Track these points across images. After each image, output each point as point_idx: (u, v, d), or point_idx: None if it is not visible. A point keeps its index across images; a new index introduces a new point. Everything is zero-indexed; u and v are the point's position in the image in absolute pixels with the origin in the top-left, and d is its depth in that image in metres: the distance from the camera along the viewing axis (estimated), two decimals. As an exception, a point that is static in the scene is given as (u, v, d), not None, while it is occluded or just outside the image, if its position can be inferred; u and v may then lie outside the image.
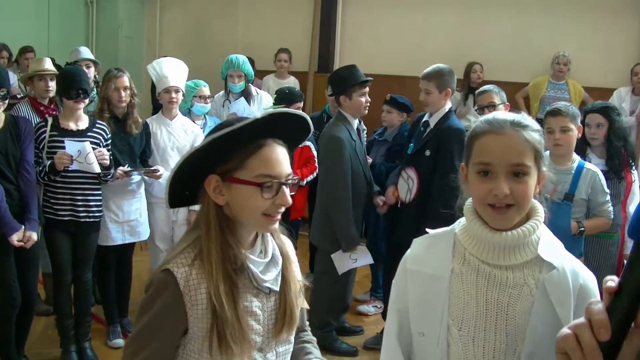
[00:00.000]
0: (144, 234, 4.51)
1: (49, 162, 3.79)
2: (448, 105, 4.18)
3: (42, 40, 7.49)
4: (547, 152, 4.08)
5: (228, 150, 1.66)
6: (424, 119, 4.25)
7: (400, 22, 7.61)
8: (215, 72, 5.66)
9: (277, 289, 1.77)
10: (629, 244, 3.96)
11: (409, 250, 1.84)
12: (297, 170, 5.04)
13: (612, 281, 0.96)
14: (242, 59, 5.46)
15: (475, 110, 4.46)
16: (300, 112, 1.80)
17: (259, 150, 1.67)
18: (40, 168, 3.76)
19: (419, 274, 1.76)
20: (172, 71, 4.61)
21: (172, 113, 4.65)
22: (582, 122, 4.07)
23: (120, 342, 4.48)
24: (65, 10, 8.11)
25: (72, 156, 3.80)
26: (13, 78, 5.73)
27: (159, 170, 4.33)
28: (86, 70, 5.07)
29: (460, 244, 1.74)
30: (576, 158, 3.66)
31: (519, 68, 7.06)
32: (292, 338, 1.88)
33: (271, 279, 1.76)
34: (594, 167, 3.65)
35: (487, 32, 7.25)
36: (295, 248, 1.98)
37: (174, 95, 4.56)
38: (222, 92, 5.57)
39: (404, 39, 7.54)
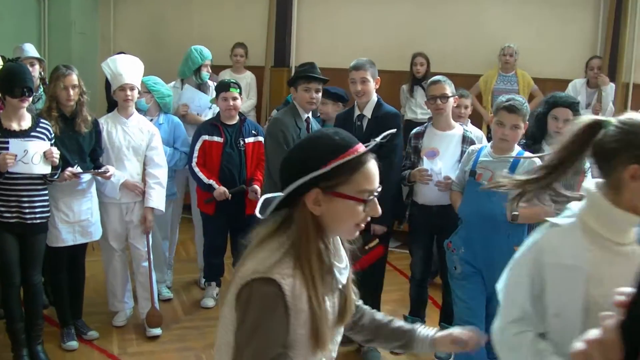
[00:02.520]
0: (96, 234, 4.44)
1: (-7, 163, 3.71)
2: (375, 95, 4.36)
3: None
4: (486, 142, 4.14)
5: (337, 168, 1.69)
6: (356, 114, 4.34)
7: (356, 14, 7.60)
8: (171, 67, 5.65)
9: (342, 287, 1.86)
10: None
11: (541, 242, 1.94)
12: (257, 172, 5.07)
13: (623, 295, 0.94)
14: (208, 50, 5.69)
15: (427, 100, 4.45)
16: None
17: (363, 167, 1.73)
18: (-17, 170, 3.67)
19: (559, 266, 1.87)
20: (127, 68, 4.54)
21: (128, 111, 4.59)
22: (546, 113, 4.13)
23: (74, 344, 4.42)
24: (16, 7, 7.94)
25: (16, 156, 3.72)
26: None
27: (108, 171, 4.27)
28: (30, 69, 4.98)
29: (591, 229, 1.85)
30: (516, 148, 3.75)
31: (471, 60, 7.11)
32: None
33: (344, 280, 1.86)
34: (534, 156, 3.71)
35: (440, 25, 7.28)
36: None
37: (129, 92, 4.50)
38: (175, 82, 5.62)
39: (360, 31, 7.54)
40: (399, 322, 2.09)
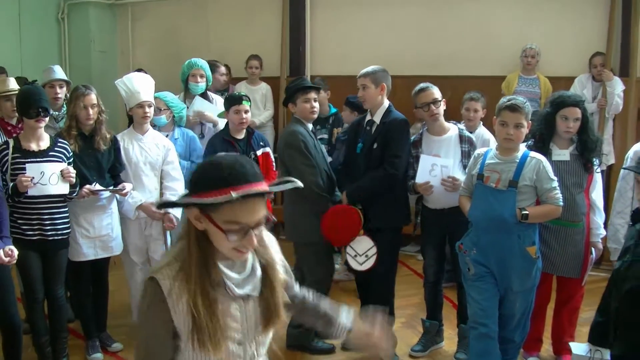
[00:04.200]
0: (117, 248, 4.56)
1: (12, 184, 3.85)
2: (386, 101, 4.46)
3: (15, 59, 7.53)
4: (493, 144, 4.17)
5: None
6: (367, 119, 4.45)
7: (368, 20, 7.64)
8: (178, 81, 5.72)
9: (257, 294, 1.95)
10: (595, 231, 4.06)
11: None
12: (266, 178, 5.10)
13: None
14: (203, 61, 5.63)
15: (418, 109, 4.51)
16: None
17: (238, 202, 1.75)
18: (4, 190, 3.80)
19: None
20: (143, 86, 4.66)
21: (144, 128, 4.70)
22: (553, 114, 4.15)
23: (99, 356, 4.55)
24: (37, 28, 8.15)
25: (32, 178, 3.85)
26: None
27: (125, 189, 4.39)
28: (58, 90, 5.14)
29: None
30: (522, 148, 3.78)
31: (489, 62, 7.12)
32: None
33: (249, 289, 1.93)
34: (539, 155, 3.76)
35: (455, 27, 7.28)
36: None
37: (147, 110, 4.62)
38: (180, 95, 5.62)
39: (373, 38, 7.57)
40: (328, 306, 2.23)
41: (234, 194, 1.71)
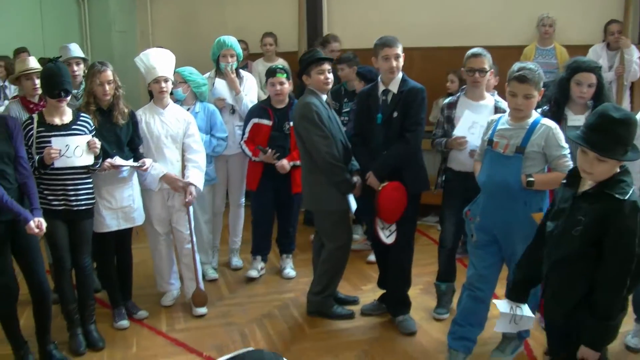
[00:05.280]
0: (139, 219, 4.69)
1: (38, 157, 3.98)
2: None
3: (37, 40, 7.68)
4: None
5: None
6: (381, 89, 4.44)
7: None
8: (207, 59, 5.79)
9: None
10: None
11: None
12: (294, 151, 5.24)
13: None
14: (232, 39, 5.65)
15: (465, 71, 4.51)
16: None
17: None
18: (30, 163, 3.93)
19: None
20: (160, 61, 4.76)
21: (164, 102, 4.82)
22: (568, 79, 4.19)
23: (125, 323, 4.71)
24: (58, 9, 8.29)
25: (59, 150, 3.99)
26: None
27: (145, 165, 4.52)
28: (76, 68, 5.27)
29: None
30: (534, 115, 3.76)
31: (506, 32, 7.12)
32: None
33: None
34: (551, 122, 3.71)
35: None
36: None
37: (163, 85, 4.73)
38: (210, 73, 5.71)
39: (390, 10, 7.62)
40: None
41: None
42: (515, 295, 3.21)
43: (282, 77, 5.24)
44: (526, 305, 3.20)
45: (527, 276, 3.17)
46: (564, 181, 2.91)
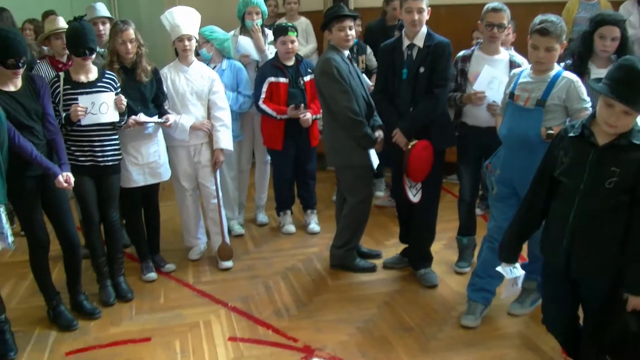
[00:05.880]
0: (165, 174, 4.80)
1: (65, 114, 4.08)
2: (425, 25, 4.42)
3: (64, 3, 7.75)
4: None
5: None
6: (405, 44, 4.41)
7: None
8: (232, 18, 5.83)
9: None
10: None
11: None
12: (311, 104, 5.31)
13: None
14: None
15: (483, 25, 4.46)
16: None
17: None
18: (57, 120, 4.03)
19: None
20: (184, 20, 4.81)
21: (188, 60, 4.88)
22: (592, 32, 4.15)
23: (153, 275, 4.87)
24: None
25: (86, 108, 4.09)
26: None
27: (168, 121, 4.61)
28: (101, 27, 5.34)
29: None
30: (556, 68, 3.72)
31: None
32: None
33: None
34: (573, 75, 3.67)
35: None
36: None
37: (187, 43, 4.79)
38: (235, 30, 5.76)
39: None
40: None
41: None
42: (508, 256, 3.28)
43: (293, 36, 5.27)
44: (517, 263, 3.28)
45: (521, 234, 3.20)
46: (573, 134, 2.90)
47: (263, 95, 5.29)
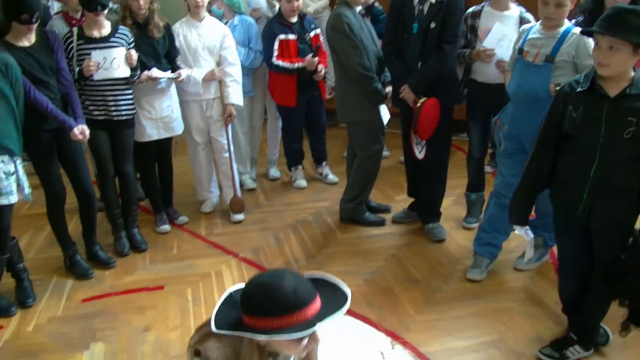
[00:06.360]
0: (178, 128, 4.87)
1: (78, 69, 4.14)
2: None
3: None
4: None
5: None
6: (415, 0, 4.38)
7: None
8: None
9: None
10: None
11: None
12: (320, 57, 5.37)
13: None
14: None
15: None
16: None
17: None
18: (72, 75, 4.09)
19: None
20: None
21: (200, 15, 4.91)
22: None
23: (166, 227, 5.00)
24: None
25: (98, 63, 4.15)
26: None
27: (181, 76, 4.67)
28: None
29: None
30: (566, 24, 3.70)
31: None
32: None
33: None
34: None
35: None
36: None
37: None
38: None
39: None
40: None
41: (300, 334, 1.81)
42: (520, 219, 3.29)
43: None
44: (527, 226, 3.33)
45: (530, 194, 3.22)
46: (581, 89, 2.91)
47: (276, 53, 5.32)
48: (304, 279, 1.90)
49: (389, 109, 4.76)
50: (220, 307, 1.94)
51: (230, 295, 2.00)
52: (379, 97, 4.58)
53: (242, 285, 1.97)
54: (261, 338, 1.84)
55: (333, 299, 1.92)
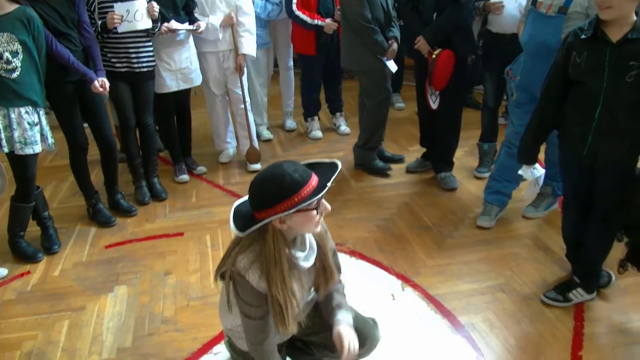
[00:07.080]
0: (197, 80, 4.96)
1: (101, 22, 4.23)
2: None
3: None
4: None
5: None
6: None
7: None
8: None
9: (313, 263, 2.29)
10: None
11: None
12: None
13: None
14: None
15: None
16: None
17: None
18: (93, 29, 4.18)
19: None
20: None
21: None
22: None
23: (185, 177, 5.15)
24: None
25: (122, 16, 4.23)
26: None
27: (200, 27, 4.72)
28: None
29: None
30: None
31: None
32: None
33: (312, 260, 2.27)
34: None
35: None
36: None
37: None
38: None
39: None
40: (335, 306, 2.45)
41: (308, 202, 2.01)
42: (527, 158, 3.37)
43: None
44: (537, 163, 3.40)
45: (537, 136, 3.29)
46: (584, 36, 2.95)
47: (295, 1, 5.36)
48: (299, 163, 2.10)
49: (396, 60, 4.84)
50: (233, 220, 2.14)
51: (237, 210, 2.20)
52: (379, 49, 4.67)
53: (243, 198, 2.21)
54: (283, 215, 2.01)
55: (327, 171, 2.14)
